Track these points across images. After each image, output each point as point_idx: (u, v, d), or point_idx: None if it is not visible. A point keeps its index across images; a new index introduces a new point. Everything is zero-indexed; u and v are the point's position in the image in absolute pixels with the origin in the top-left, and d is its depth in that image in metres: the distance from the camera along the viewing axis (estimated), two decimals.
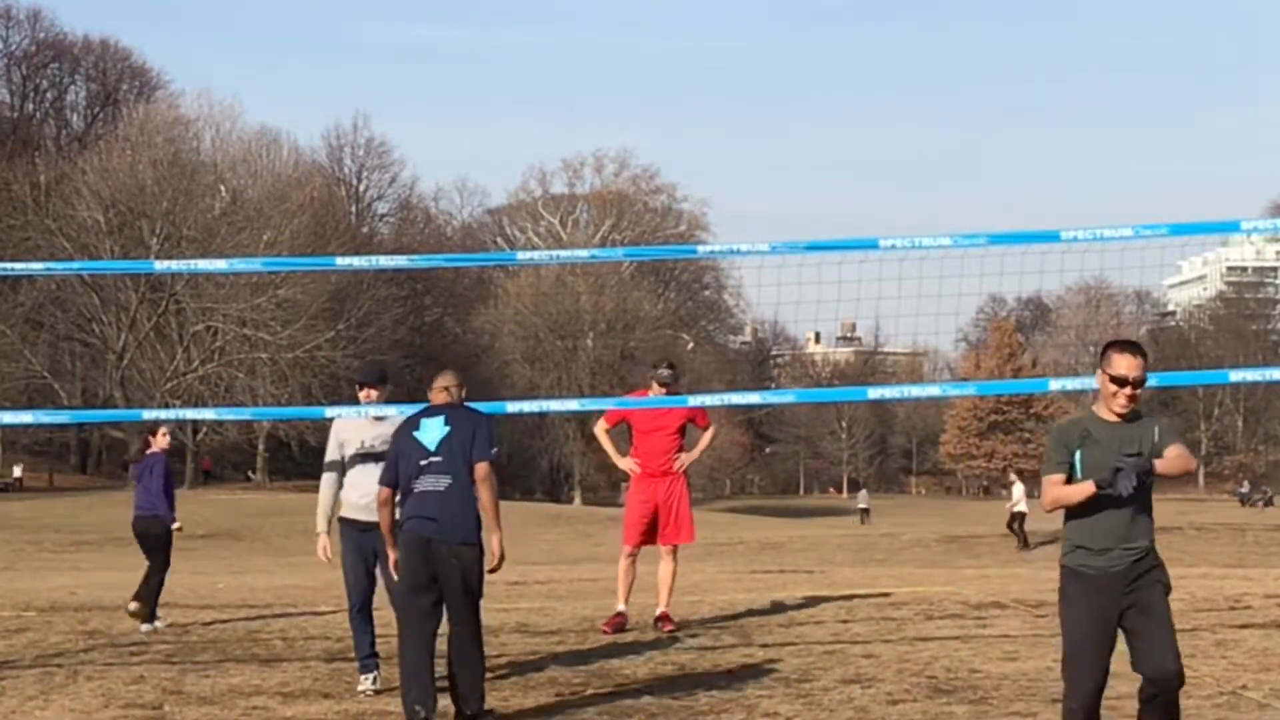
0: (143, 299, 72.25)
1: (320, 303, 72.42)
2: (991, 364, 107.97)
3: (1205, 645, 10.51)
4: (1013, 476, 40.52)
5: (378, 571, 9.10)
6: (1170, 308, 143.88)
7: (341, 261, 17.09)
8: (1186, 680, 6.50)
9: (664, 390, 11.97)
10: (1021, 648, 10.55)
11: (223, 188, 77.27)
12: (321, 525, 9.59)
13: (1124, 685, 8.90)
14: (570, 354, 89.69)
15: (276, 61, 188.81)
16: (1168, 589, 6.47)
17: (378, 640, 9.37)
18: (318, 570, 12.67)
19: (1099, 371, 6.49)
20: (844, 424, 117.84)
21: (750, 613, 13.30)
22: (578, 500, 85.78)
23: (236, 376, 72.08)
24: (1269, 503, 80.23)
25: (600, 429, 12.66)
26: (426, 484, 8.10)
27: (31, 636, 12.27)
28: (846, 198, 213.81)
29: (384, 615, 9.49)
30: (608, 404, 13.72)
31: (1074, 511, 6.43)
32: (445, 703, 8.21)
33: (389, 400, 9.76)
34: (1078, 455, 6.39)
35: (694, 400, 11.58)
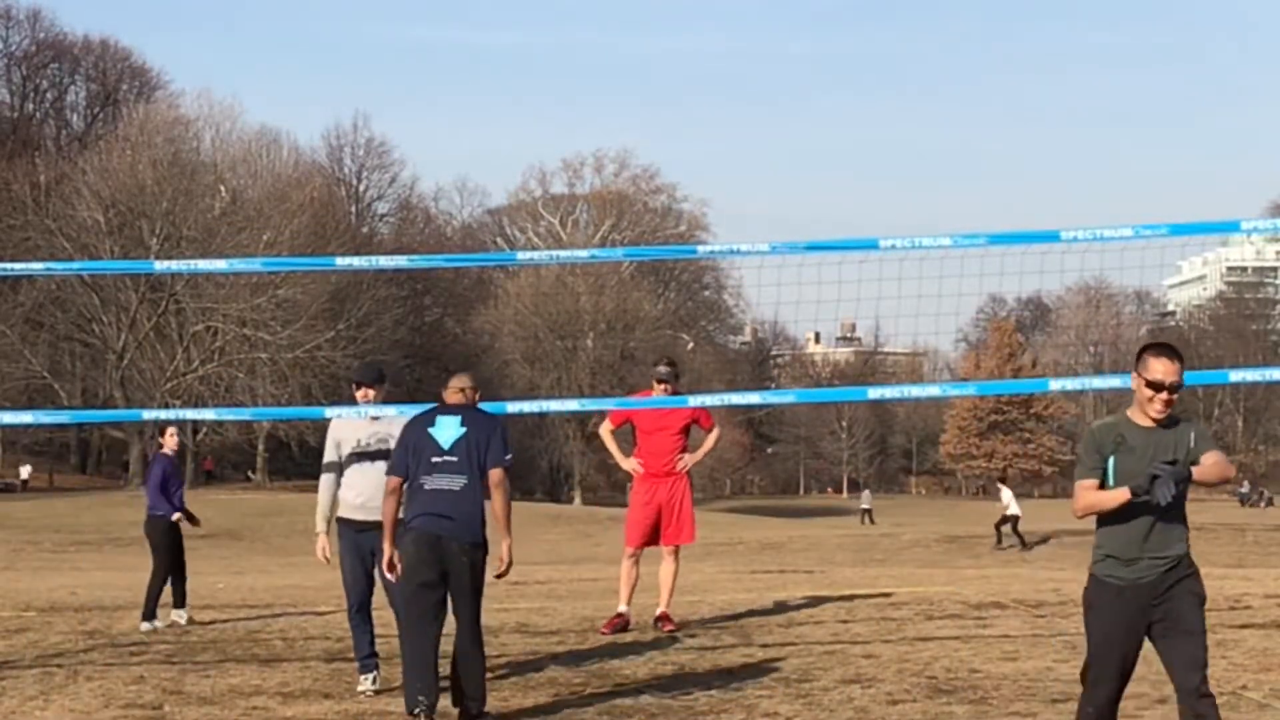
0: (143, 299, 72.23)
1: (320, 303, 72.38)
2: (991, 364, 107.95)
3: None
4: (999, 485, 41.55)
5: (376, 572, 9.09)
6: (1170, 308, 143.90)
7: (341, 261, 17.09)
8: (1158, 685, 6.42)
9: (665, 389, 11.96)
10: (1021, 648, 10.55)
11: (223, 188, 77.23)
12: (320, 526, 9.59)
13: (1130, 686, 8.90)
14: (570, 354, 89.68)
15: (276, 61, 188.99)
16: (1201, 600, 6.28)
17: (377, 640, 9.38)
18: (318, 570, 12.68)
19: (1134, 375, 6.33)
20: (844, 424, 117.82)
21: (750, 613, 13.30)
22: (578, 500, 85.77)
23: (236, 376, 72.05)
24: (1269, 503, 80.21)
25: (605, 430, 12.66)
26: (439, 482, 8.09)
27: (31, 636, 12.27)
28: (846, 198, 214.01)
29: (384, 615, 9.49)
30: (608, 404, 13.73)
31: (1105, 518, 6.27)
32: (445, 703, 8.22)
33: (387, 400, 9.76)
34: (1110, 461, 6.23)
35: (694, 400, 11.58)
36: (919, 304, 11.42)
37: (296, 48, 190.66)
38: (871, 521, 63.90)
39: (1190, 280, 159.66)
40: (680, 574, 12.56)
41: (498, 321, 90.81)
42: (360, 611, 9.29)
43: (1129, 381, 12.33)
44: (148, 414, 15.80)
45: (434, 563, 8.01)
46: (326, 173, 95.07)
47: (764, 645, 11.02)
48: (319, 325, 72.33)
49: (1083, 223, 12.61)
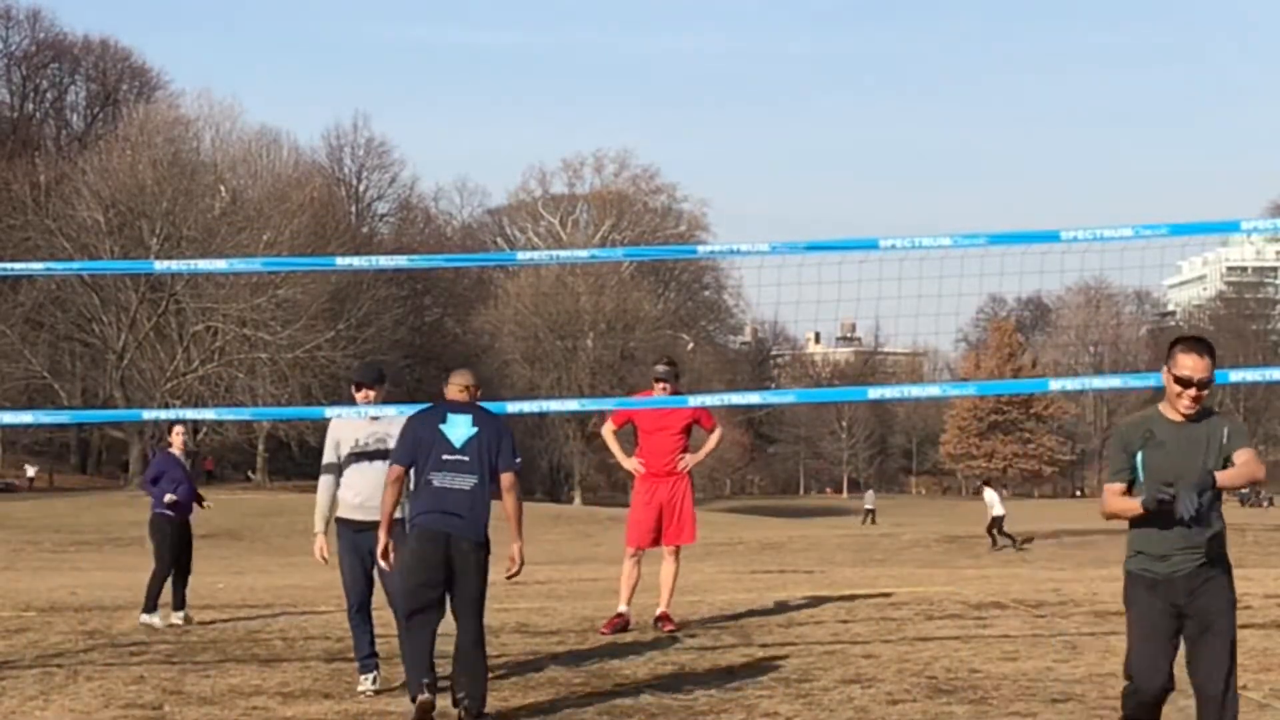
0: (143, 299, 72.22)
1: (320, 303, 72.39)
2: (991, 364, 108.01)
3: None
4: (983, 485, 42.26)
5: (375, 572, 9.09)
6: (1170, 308, 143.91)
7: (341, 261, 17.07)
8: (1177, 686, 6.28)
9: (665, 389, 11.96)
10: (1021, 648, 10.54)
11: (223, 188, 77.23)
12: (319, 526, 9.58)
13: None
14: (570, 354, 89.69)
15: (276, 61, 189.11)
16: (1232, 603, 6.16)
17: (377, 640, 9.37)
18: (318, 570, 12.68)
19: (1164, 369, 6.20)
20: (844, 424, 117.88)
21: (750, 613, 13.30)
22: (578, 500, 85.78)
23: (236, 376, 72.04)
24: (1270, 503, 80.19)
25: (608, 430, 12.65)
26: (448, 480, 8.08)
27: (31, 636, 12.27)
28: (846, 198, 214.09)
29: (384, 615, 9.49)
30: (608, 404, 13.73)
31: (1136, 517, 6.14)
32: (445, 703, 8.21)
33: (387, 400, 9.76)
34: (1139, 457, 6.11)
35: (694, 400, 11.57)
36: (919, 304, 11.41)
37: (296, 48, 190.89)
38: (873, 522, 63.91)
39: (1190, 280, 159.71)
40: (680, 574, 12.56)
41: (498, 321, 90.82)
42: (360, 611, 9.29)
43: (1129, 381, 12.31)
44: (148, 414, 15.78)
45: (440, 560, 8.01)
46: (326, 173, 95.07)
47: (764, 645, 11.02)
48: (319, 325, 72.33)
49: (1083, 223, 12.60)
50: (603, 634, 11.67)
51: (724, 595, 15.49)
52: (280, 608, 14.86)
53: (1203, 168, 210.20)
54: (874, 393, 16.30)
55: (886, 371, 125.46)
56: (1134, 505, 6.07)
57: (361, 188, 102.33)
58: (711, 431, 12.42)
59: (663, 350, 69.28)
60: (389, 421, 9.23)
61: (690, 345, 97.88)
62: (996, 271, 10.40)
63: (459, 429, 8.18)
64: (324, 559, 9.60)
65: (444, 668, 8.31)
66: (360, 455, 9.27)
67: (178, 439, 14.30)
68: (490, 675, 9.04)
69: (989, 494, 37.93)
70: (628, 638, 11.45)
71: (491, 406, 9.45)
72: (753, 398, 12.71)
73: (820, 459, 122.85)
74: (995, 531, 36.04)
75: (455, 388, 8.47)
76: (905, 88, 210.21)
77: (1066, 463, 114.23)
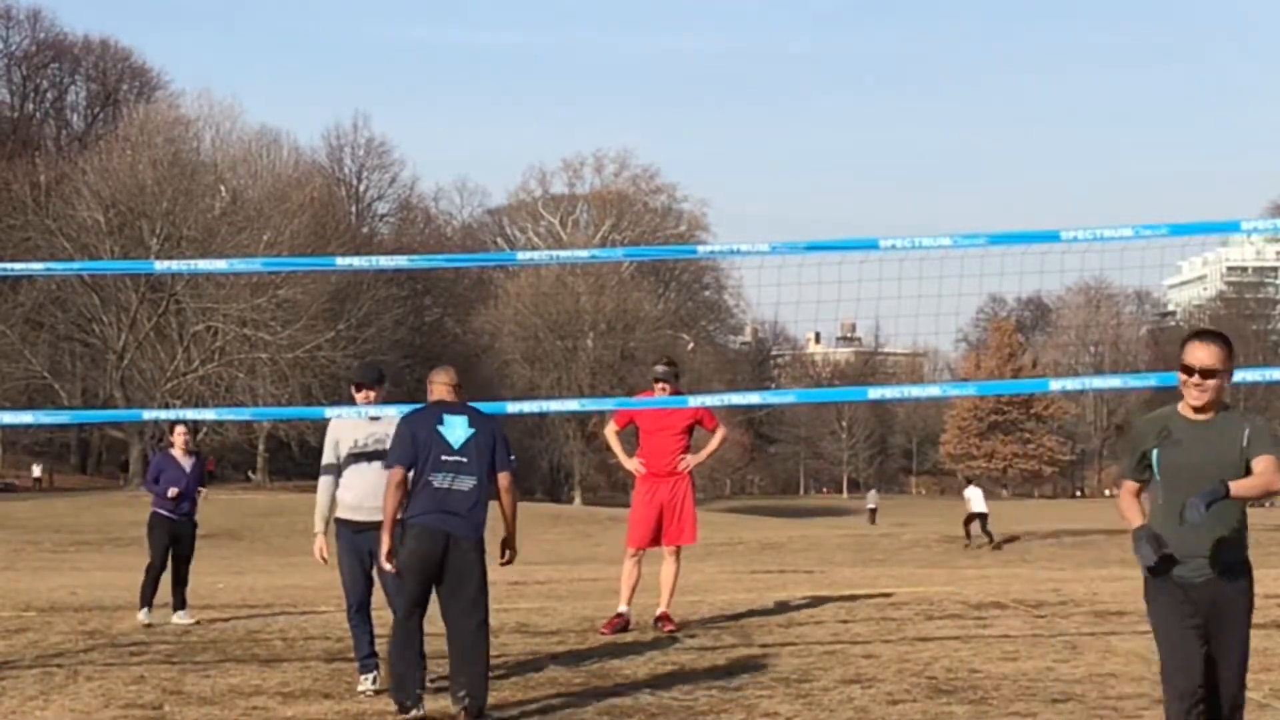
0: (143, 299, 72.22)
1: (320, 303, 72.39)
2: (991, 364, 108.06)
3: None
4: (965, 480, 43.09)
5: (375, 572, 9.09)
6: (1170, 308, 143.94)
7: (341, 261, 17.04)
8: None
9: (664, 389, 11.95)
10: (1021, 648, 10.54)
11: (223, 188, 77.23)
12: (319, 526, 9.59)
13: (1126, 685, 8.91)
14: (570, 354, 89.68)
15: (276, 61, 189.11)
16: (1249, 609, 6.00)
17: (377, 640, 9.37)
18: (317, 570, 12.68)
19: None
20: (844, 424, 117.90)
21: (750, 613, 13.30)
22: (578, 500, 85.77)
23: (236, 376, 72.05)
24: (1270, 503, 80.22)
25: (610, 431, 12.66)
26: (447, 481, 8.12)
27: (31, 636, 12.27)
28: (846, 198, 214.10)
29: (384, 615, 9.48)
30: (607, 404, 13.73)
31: (1155, 519, 5.96)
32: (445, 703, 8.22)
33: (387, 400, 9.75)
34: (1154, 454, 5.94)
35: (695, 400, 11.57)
36: (919, 304, 11.40)
37: (296, 48, 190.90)
38: (872, 522, 63.94)
39: (1190, 280, 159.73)
40: (681, 574, 12.55)
41: (498, 321, 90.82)
42: (360, 612, 9.29)
43: (1129, 381, 12.30)
44: (148, 414, 15.82)
45: (438, 560, 8.04)
46: (326, 173, 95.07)
47: (764, 645, 11.01)
48: (319, 325, 72.34)
49: (1083, 223, 12.59)
50: (603, 634, 11.67)
51: (724, 595, 15.50)
52: (280, 608, 14.86)
53: (1203, 168, 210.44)
54: (874, 393, 16.28)
55: (886, 371, 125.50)
56: (1134, 521, 5.95)
57: (361, 188, 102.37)
58: (713, 432, 12.41)
59: (663, 350, 69.27)
60: (388, 422, 9.22)
61: (690, 345, 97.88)
62: (996, 271, 10.40)
63: (456, 430, 8.21)
64: (324, 559, 9.60)
65: (443, 667, 8.31)
66: (359, 456, 9.26)
67: (179, 439, 14.29)
68: (490, 675, 9.06)
69: (969, 490, 38.40)
70: (628, 638, 11.45)
71: (491, 407, 9.47)
72: (753, 398, 12.70)
73: (820, 459, 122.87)
74: (979, 528, 36.63)
75: (443, 387, 8.48)
76: (905, 88, 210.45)
77: (1066, 463, 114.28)
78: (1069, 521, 48.07)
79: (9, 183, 72.43)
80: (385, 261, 25.71)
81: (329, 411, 10.05)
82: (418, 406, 8.63)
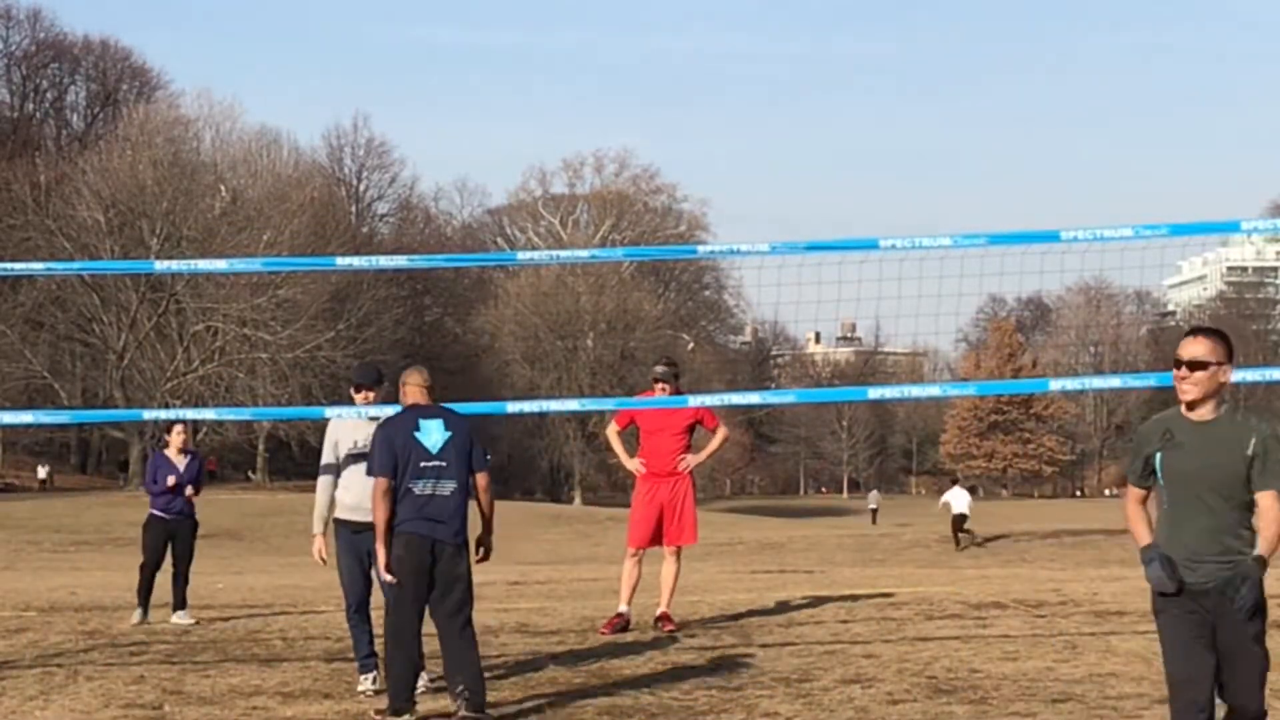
0: (143, 299, 72.21)
1: (320, 303, 72.38)
2: (991, 364, 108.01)
3: None
4: (951, 481, 43.65)
5: (373, 573, 9.09)
6: (1170, 308, 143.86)
7: (341, 261, 17.07)
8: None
9: (664, 389, 11.95)
10: (1021, 648, 10.54)
11: (223, 188, 77.22)
12: (317, 527, 9.58)
13: (1126, 685, 8.91)
14: (570, 354, 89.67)
15: (276, 61, 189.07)
16: (1263, 611, 5.81)
17: (377, 640, 9.37)
18: (317, 570, 12.68)
19: None
20: (844, 424, 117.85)
21: (750, 613, 13.29)
22: (578, 500, 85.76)
23: (236, 376, 72.04)
24: None
25: (612, 431, 12.65)
26: (429, 487, 8.15)
27: (31, 636, 12.27)
28: (846, 198, 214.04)
29: (383, 615, 9.48)
30: (607, 404, 13.73)
31: (1161, 526, 5.85)
32: (445, 702, 8.22)
33: (386, 401, 9.75)
34: (1158, 458, 5.83)
35: (695, 400, 11.57)
36: (919, 304, 11.41)
37: (296, 48, 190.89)
38: (874, 522, 63.97)
39: (1190, 280, 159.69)
40: (681, 574, 12.55)
41: (498, 321, 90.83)
42: (359, 611, 9.29)
43: (1129, 381, 12.29)
44: (148, 414, 15.78)
45: (426, 566, 8.09)
46: (326, 173, 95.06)
47: (764, 645, 11.01)
48: (319, 325, 72.33)
49: (1083, 223, 12.59)
50: (603, 634, 11.67)
51: (724, 595, 15.49)
52: (280, 608, 14.86)
53: (1203, 168, 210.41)
54: (874, 393, 16.28)
55: (886, 371, 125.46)
56: (1142, 539, 5.87)
57: (361, 188, 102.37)
58: (714, 432, 12.41)
59: (663, 350, 69.34)
60: None
61: (690, 345, 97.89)
62: (996, 271, 10.40)
63: (434, 435, 8.24)
64: (323, 560, 9.60)
65: (437, 668, 8.32)
66: (358, 456, 9.26)
67: (177, 438, 14.29)
68: (490, 675, 9.09)
69: (952, 493, 38.60)
70: (628, 638, 11.45)
71: (491, 407, 9.48)
72: (753, 398, 12.70)
73: (820, 459, 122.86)
74: (961, 530, 36.92)
75: (417, 389, 8.48)
76: (905, 88, 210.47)
77: (1067, 463, 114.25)
78: (1069, 521, 48.06)
79: (9, 183, 72.40)
80: (385, 261, 25.76)
81: (329, 411, 10.06)
82: (393, 413, 8.59)
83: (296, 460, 76.57)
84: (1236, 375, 12.91)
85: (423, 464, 8.15)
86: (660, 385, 11.97)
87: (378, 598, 9.16)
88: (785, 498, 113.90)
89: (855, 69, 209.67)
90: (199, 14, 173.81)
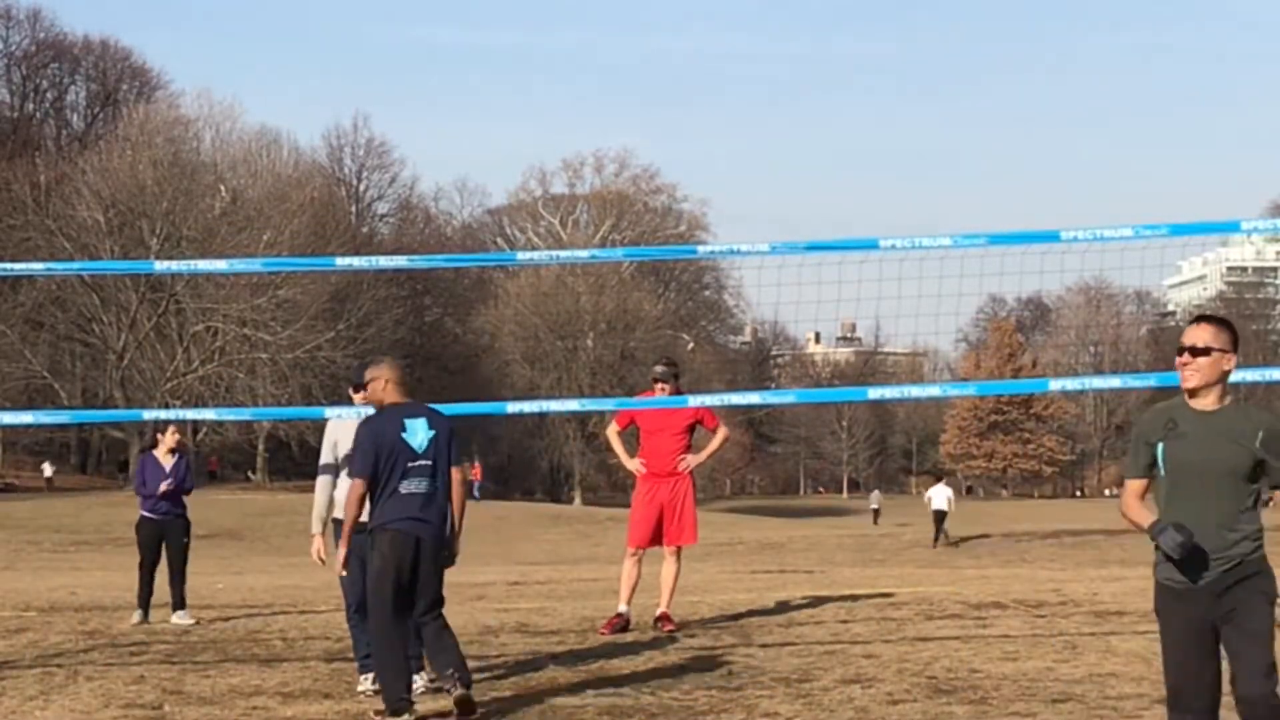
0: (143, 299, 72.18)
1: (320, 303, 72.37)
2: (991, 364, 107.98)
3: None
4: (933, 478, 44.08)
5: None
6: (1170, 308, 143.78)
7: (341, 261, 17.09)
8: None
9: (664, 389, 11.95)
10: (1021, 648, 10.54)
11: (223, 188, 77.20)
12: (316, 527, 9.58)
13: (1126, 685, 8.91)
14: (570, 354, 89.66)
15: (276, 61, 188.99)
16: (1271, 600, 5.65)
17: None
18: (317, 570, 12.67)
19: None
20: (844, 424, 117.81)
21: (750, 613, 13.30)
22: (578, 500, 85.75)
23: (237, 377, 72.02)
24: (1268, 503, 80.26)
25: (612, 431, 12.65)
26: (414, 486, 8.23)
27: (31, 636, 12.27)
28: (846, 198, 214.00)
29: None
30: (607, 404, 13.73)
31: (1162, 517, 5.68)
32: (445, 703, 8.22)
33: None
34: (1160, 448, 5.70)
35: (695, 400, 11.57)
36: (919, 304, 11.41)
37: (296, 48, 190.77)
38: (876, 522, 63.94)
39: (1190, 280, 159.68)
40: (681, 574, 12.55)
41: (498, 321, 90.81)
42: (359, 611, 9.27)
43: (1129, 381, 12.28)
44: (148, 414, 15.81)
45: (411, 564, 8.19)
46: (326, 173, 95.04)
47: (764, 645, 11.01)
48: (319, 325, 72.32)
49: (1083, 223, 12.60)
50: (603, 634, 11.67)
51: (724, 595, 15.49)
52: (280, 608, 14.86)
53: (1203, 168, 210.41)
54: (874, 393, 16.30)
55: (886, 371, 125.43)
56: (1146, 522, 5.72)
57: (361, 188, 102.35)
58: (714, 432, 12.41)
59: (663, 350, 69.31)
60: None
61: (690, 345, 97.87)
62: (996, 271, 10.40)
63: (418, 434, 8.32)
64: (322, 560, 9.60)
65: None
66: None
67: (170, 439, 14.22)
68: (490, 675, 9.14)
69: (935, 489, 38.92)
70: (628, 638, 11.45)
71: (491, 407, 9.49)
72: (753, 398, 12.71)
73: (820, 459, 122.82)
74: (941, 527, 37.23)
75: (389, 382, 8.52)
76: (905, 88, 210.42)
77: (1067, 463, 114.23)
78: (1069, 521, 48.08)
79: (9, 183, 72.37)
80: (385, 261, 25.83)
81: (329, 411, 10.06)
82: (375, 412, 8.58)
83: (296, 460, 76.55)
84: (1236, 376, 12.92)
85: (409, 464, 8.22)
86: (660, 385, 11.97)
87: None
88: (785, 498, 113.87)
89: (855, 69, 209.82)
90: (199, 14, 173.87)
